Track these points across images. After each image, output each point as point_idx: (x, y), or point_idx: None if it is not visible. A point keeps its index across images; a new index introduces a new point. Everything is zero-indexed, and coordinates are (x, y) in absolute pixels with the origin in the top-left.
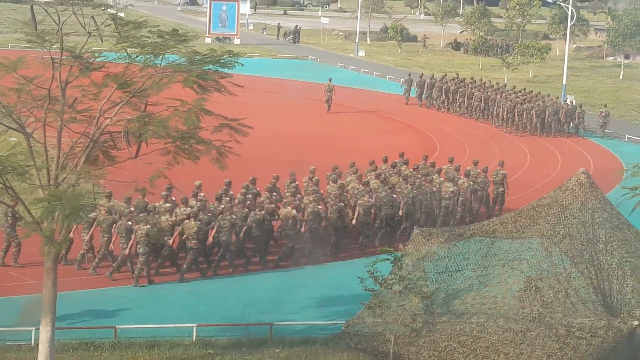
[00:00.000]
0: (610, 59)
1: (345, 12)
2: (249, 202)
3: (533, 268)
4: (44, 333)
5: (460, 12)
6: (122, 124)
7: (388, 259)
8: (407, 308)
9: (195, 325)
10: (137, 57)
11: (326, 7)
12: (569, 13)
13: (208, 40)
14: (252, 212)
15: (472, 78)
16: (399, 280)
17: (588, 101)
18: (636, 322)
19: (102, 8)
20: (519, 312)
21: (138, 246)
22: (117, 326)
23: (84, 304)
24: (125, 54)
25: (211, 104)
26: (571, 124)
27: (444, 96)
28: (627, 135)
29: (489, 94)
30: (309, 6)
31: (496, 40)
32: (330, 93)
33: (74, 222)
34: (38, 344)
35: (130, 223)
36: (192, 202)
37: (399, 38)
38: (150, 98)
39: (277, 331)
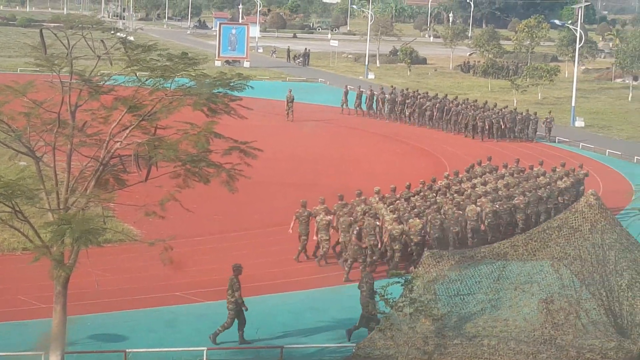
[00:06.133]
0: (619, 80)
1: (354, 35)
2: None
3: (544, 290)
4: (54, 358)
5: (470, 35)
6: (132, 148)
7: (398, 282)
8: (418, 331)
9: (206, 348)
10: (146, 80)
11: (335, 30)
12: (578, 35)
13: (217, 63)
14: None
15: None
16: (409, 302)
17: (597, 123)
18: None
19: (112, 32)
20: (530, 335)
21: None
22: (127, 350)
23: (93, 328)
24: (135, 77)
25: (221, 126)
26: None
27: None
28: (635, 157)
29: (440, 104)
30: (319, 29)
31: (505, 62)
32: (291, 103)
33: (83, 245)
34: None
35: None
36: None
37: (409, 60)
38: (160, 121)
39: (288, 354)
